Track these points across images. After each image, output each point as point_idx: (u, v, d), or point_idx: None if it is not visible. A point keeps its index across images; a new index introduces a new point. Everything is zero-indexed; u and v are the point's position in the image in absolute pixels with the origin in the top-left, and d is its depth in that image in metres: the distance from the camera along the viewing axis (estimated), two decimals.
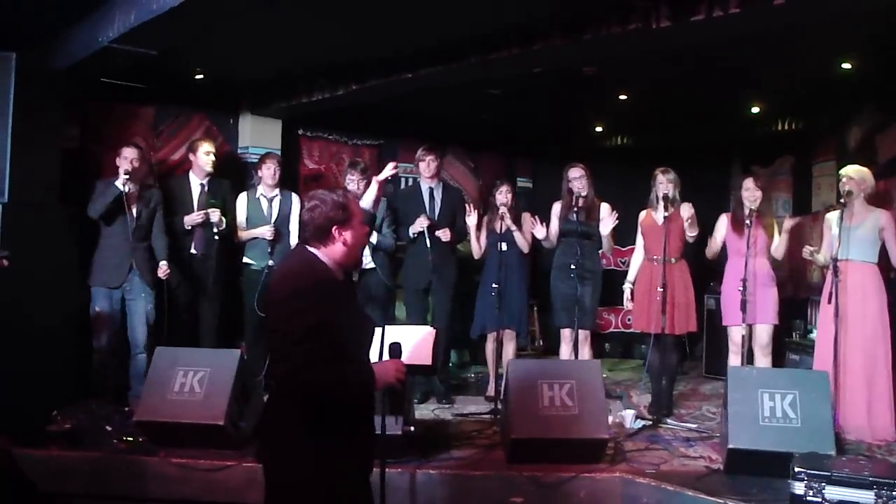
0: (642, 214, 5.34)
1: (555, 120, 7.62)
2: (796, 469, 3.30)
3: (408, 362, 2.59)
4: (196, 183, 5.59)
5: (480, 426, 4.83)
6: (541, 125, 7.90)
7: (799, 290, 6.91)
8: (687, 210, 5.11)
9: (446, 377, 5.91)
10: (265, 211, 5.73)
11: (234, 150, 6.61)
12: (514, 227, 5.57)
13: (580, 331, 5.26)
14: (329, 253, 2.44)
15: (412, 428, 4.06)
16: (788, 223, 4.92)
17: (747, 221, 4.87)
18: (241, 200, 5.77)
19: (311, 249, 2.44)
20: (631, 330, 6.78)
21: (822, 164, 6.89)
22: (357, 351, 2.49)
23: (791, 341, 6.23)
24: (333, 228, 2.42)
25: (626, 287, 5.35)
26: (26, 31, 4.87)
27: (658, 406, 5.14)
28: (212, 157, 5.57)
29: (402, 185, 6.67)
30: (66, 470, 4.04)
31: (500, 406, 4.79)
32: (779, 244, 4.98)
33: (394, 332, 2.74)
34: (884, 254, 4.67)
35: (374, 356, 2.62)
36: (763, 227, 5.00)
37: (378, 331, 2.68)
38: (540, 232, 5.44)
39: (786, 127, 6.98)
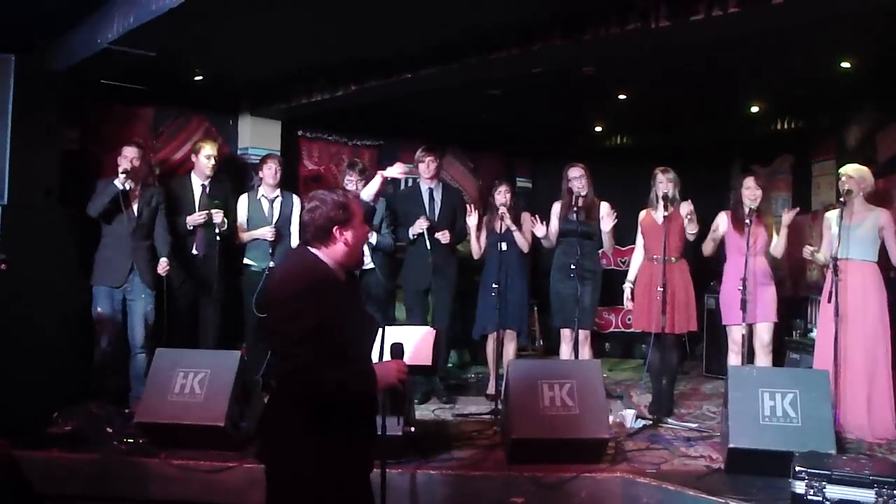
0: (642, 214, 5.34)
1: (555, 120, 7.62)
2: (797, 468, 3.30)
3: (408, 363, 2.58)
4: (197, 184, 5.59)
5: (481, 426, 4.83)
6: (541, 125, 7.90)
7: (799, 289, 6.91)
8: (686, 206, 5.11)
9: (445, 377, 5.92)
10: (266, 212, 5.73)
11: (234, 152, 6.61)
12: (513, 227, 5.57)
13: (580, 331, 5.25)
14: (331, 253, 2.44)
15: (413, 428, 4.06)
16: (787, 217, 4.92)
17: (747, 220, 4.87)
18: (243, 201, 5.78)
19: (313, 250, 2.44)
20: (631, 330, 6.79)
21: (821, 164, 6.89)
22: (359, 351, 2.49)
23: (791, 340, 6.23)
24: (334, 228, 2.42)
25: (627, 286, 5.35)
26: (26, 32, 4.88)
27: (658, 406, 5.14)
28: (212, 162, 5.57)
29: (402, 186, 6.67)
30: (66, 472, 4.04)
31: (500, 406, 4.79)
32: (778, 242, 4.98)
33: (394, 333, 2.74)
34: (883, 253, 4.68)
35: (374, 357, 2.62)
36: (763, 227, 5.00)
37: (379, 331, 2.68)
38: (540, 230, 5.44)
39: (785, 126, 6.98)
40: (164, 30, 4.15)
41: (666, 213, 5.10)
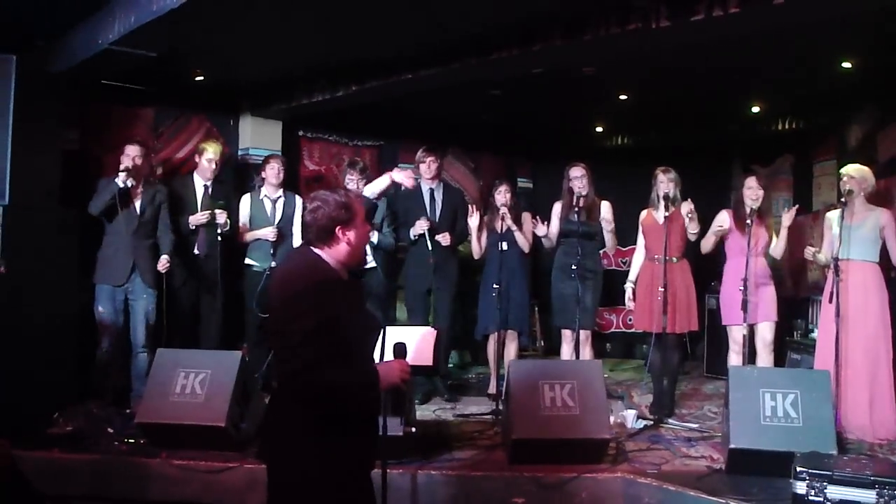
0: (643, 214, 5.34)
1: (555, 120, 7.63)
2: (798, 468, 3.30)
3: (409, 363, 2.58)
4: (200, 184, 5.59)
5: (482, 427, 4.83)
6: (541, 125, 7.90)
7: (800, 290, 6.91)
8: (687, 206, 5.10)
9: (446, 377, 5.91)
10: (269, 212, 5.74)
11: (235, 152, 6.61)
12: (514, 227, 5.57)
13: (581, 331, 5.25)
14: (333, 253, 2.44)
15: (413, 429, 4.05)
16: (787, 219, 4.91)
17: (748, 221, 4.86)
18: (245, 202, 5.79)
19: (315, 250, 2.44)
20: (632, 330, 6.79)
21: (822, 164, 6.89)
22: (362, 351, 2.49)
23: (792, 341, 6.22)
24: (337, 229, 2.41)
25: (628, 286, 5.35)
26: (26, 33, 4.88)
27: (659, 406, 5.13)
28: (213, 165, 5.57)
29: (403, 187, 6.66)
30: (67, 472, 4.04)
31: (501, 407, 4.79)
32: (777, 244, 4.98)
33: (395, 333, 2.75)
34: (884, 253, 4.67)
35: (375, 357, 2.62)
36: (764, 227, 5.00)
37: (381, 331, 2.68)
38: (541, 229, 5.43)
39: (786, 126, 6.98)
40: (164, 30, 4.15)
41: (667, 213, 5.10)
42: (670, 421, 4.97)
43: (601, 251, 5.65)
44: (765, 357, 4.96)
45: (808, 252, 4.87)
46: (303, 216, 2.49)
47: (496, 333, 5.53)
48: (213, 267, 5.48)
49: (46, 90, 4.91)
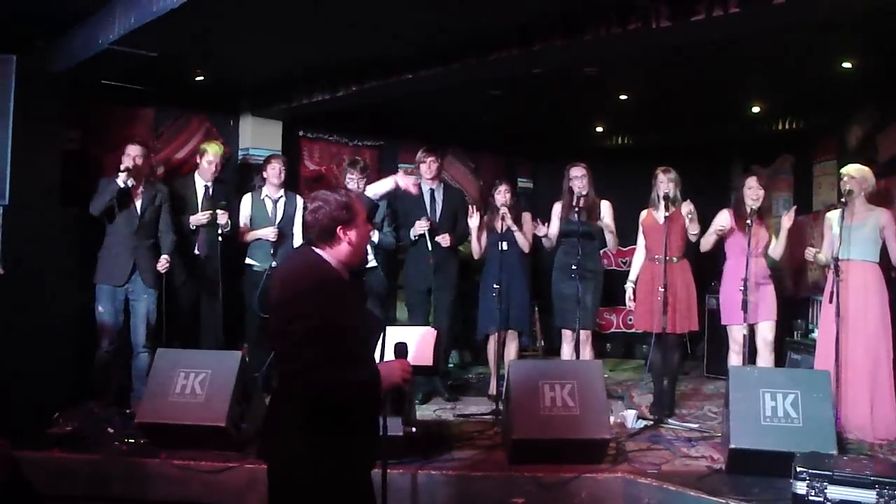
0: (643, 214, 5.34)
1: (555, 120, 7.62)
2: (798, 469, 3.30)
3: (410, 363, 2.58)
4: (201, 184, 5.59)
5: (482, 427, 4.83)
6: (541, 125, 7.90)
7: (800, 290, 6.90)
8: (687, 206, 5.10)
9: (446, 377, 5.91)
10: (270, 212, 5.74)
11: (235, 152, 6.61)
12: (514, 227, 5.57)
13: (581, 331, 5.25)
14: (334, 253, 2.44)
15: (413, 429, 4.06)
16: (787, 220, 4.91)
17: (749, 221, 4.86)
18: (246, 202, 5.79)
19: (316, 250, 2.44)
20: (632, 330, 6.79)
21: (822, 164, 6.89)
22: (363, 351, 2.49)
23: (792, 341, 6.22)
24: (338, 228, 2.41)
25: (628, 286, 5.35)
26: (26, 33, 4.88)
27: (660, 406, 5.13)
28: (213, 167, 5.57)
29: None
30: (67, 472, 4.04)
31: (501, 407, 4.79)
32: (777, 245, 4.99)
33: (395, 333, 2.74)
34: (885, 253, 4.67)
35: (376, 356, 2.62)
36: (765, 227, 5.00)
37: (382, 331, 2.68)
38: (541, 230, 5.43)
39: (786, 126, 6.98)
40: (164, 30, 4.15)
41: (667, 213, 5.10)
42: (670, 421, 4.97)
43: (601, 251, 5.65)
44: (766, 356, 4.96)
45: (809, 253, 4.87)
46: (304, 216, 2.49)
47: (496, 333, 5.53)
48: (213, 267, 5.48)
49: (46, 90, 4.91)
